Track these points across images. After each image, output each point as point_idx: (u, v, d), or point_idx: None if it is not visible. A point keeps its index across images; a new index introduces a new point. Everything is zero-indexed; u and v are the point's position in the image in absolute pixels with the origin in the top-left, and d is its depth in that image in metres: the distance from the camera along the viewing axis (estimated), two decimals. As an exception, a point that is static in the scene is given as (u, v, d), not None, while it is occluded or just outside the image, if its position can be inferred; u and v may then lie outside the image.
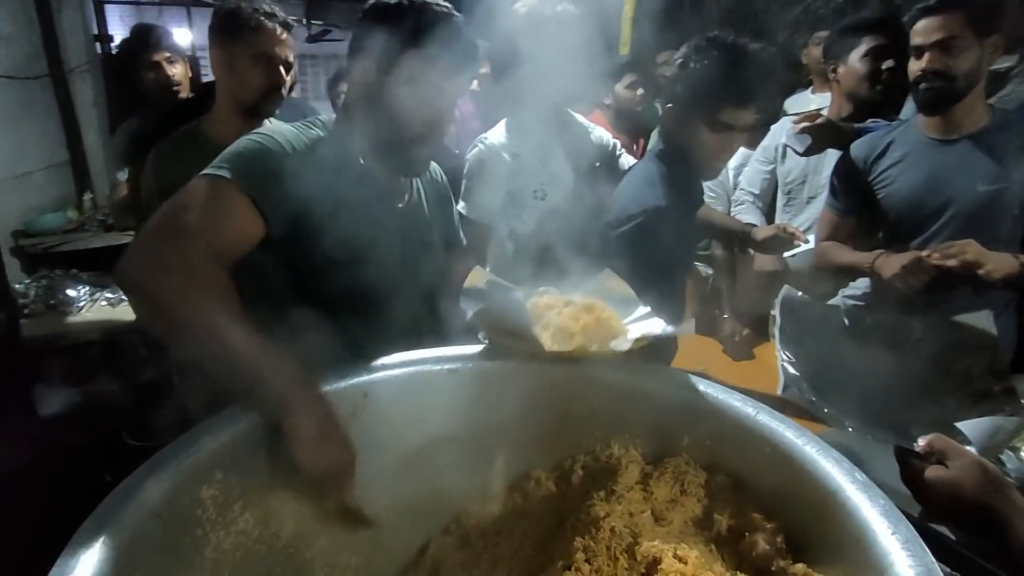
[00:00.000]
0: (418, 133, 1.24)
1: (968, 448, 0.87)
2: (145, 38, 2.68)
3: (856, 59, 2.13)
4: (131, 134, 2.52)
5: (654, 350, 1.15)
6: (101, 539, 0.67)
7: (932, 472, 0.83)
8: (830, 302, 2.10)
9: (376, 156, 1.28)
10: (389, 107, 1.21)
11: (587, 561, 0.86)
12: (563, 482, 1.14)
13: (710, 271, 2.80)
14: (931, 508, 0.84)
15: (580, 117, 2.07)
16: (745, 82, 1.51)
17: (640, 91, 2.91)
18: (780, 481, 0.92)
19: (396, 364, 1.12)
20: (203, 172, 1.10)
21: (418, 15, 1.18)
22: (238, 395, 0.92)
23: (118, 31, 5.76)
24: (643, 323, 1.15)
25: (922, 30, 1.71)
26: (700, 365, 2.49)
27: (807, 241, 1.99)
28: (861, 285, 2.09)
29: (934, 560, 0.68)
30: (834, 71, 2.18)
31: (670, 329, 1.13)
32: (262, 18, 1.79)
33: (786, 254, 2.12)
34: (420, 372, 1.13)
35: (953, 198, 1.76)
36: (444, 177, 1.55)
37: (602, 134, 2.06)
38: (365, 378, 1.08)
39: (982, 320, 1.16)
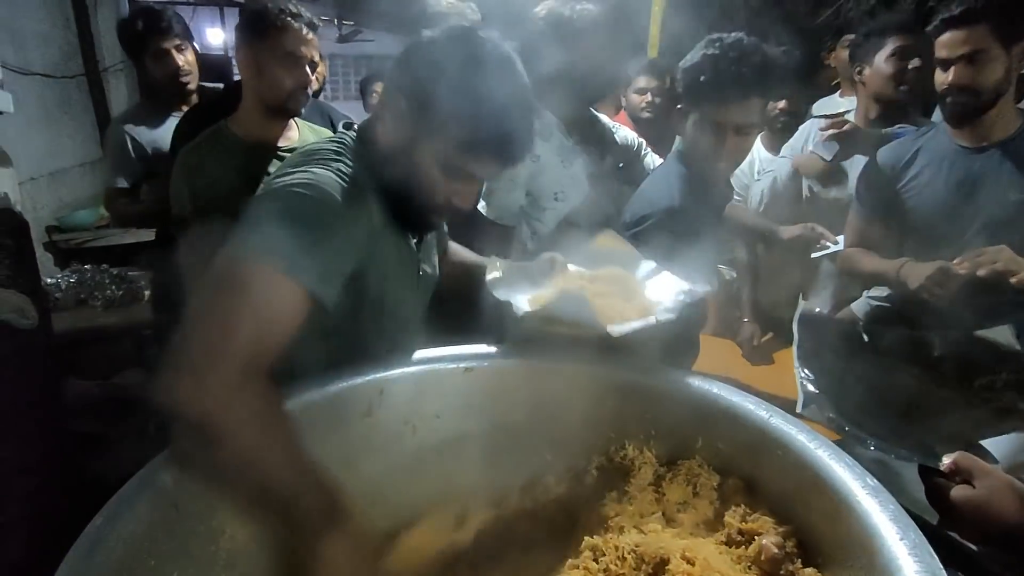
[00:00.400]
0: (436, 206, 1.15)
1: (995, 466, 0.85)
2: (150, 23, 2.35)
3: (881, 60, 2.10)
4: (132, 135, 2.43)
5: (690, 315, 1.19)
6: (117, 525, 0.69)
7: (959, 492, 0.81)
8: (853, 305, 2.07)
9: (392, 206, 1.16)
10: (415, 176, 1.10)
11: (595, 560, 0.86)
12: (577, 483, 1.15)
13: (733, 274, 2.78)
14: (959, 528, 0.82)
15: (604, 117, 2.07)
16: (748, 80, 1.50)
17: (649, 96, 2.88)
18: (792, 485, 0.91)
19: (412, 362, 1.13)
20: (247, 251, 0.91)
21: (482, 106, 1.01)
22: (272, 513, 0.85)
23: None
24: (657, 280, 1.21)
25: (947, 43, 1.67)
26: (720, 368, 2.48)
27: (836, 242, 1.97)
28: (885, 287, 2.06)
29: (941, 567, 0.67)
30: (860, 73, 2.15)
31: (698, 289, 1.17)
32: (288, 18, 1.79)
33: (813, 255, 2.10)
34: (436, 370, 1.14)
35: (983, 206, 1.73)
36: None
37: (627, 134, 2.07)
38: (381, 375, 1.10)
39: (1004, 335, 1.15)
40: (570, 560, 0.89)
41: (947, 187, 1.76)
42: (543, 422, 1.16)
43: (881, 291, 2.04)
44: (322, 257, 0.94)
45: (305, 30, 1.83)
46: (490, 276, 1.27)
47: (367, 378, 1.08)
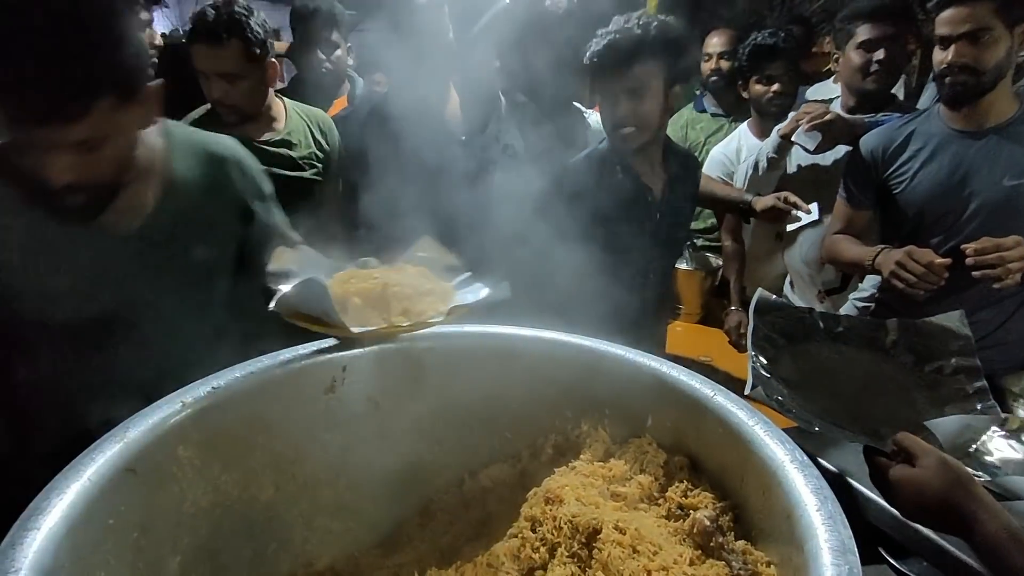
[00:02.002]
0: (36, 181, 1.01)
1: (934, 447, 0.88)
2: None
3: (851, 49, 2.08)
4: None
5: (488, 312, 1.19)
6: (72, 488, 0.74)
7: (897, 471, 0.84)
8: (843, 309, 2.08)
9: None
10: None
11: (532, 529, 0.90)
12: (533, 460, 1.18)
13: (719, 262, 2.79)
14: (899, 507, 0.85)
15: (579, 106, 2.10)
16: (601, 49, 1.56)
17: (714, 62, 2.86)
18: (731, 460, 0.94)
19: (375, 340, 1.17)
20: None
21: None
22: None
23: (160, 24, 5.94)
24: (466, 289, 1.20)
25: (948, 20, 1.64)
26: (706, 355, 2.51)
27: (809, 212, 1.97)
28: (869, 287, 2.06)
29: (851, 536, 0.70)
30: (837, 61, 2.15)
31: (487, 293, 1.16)
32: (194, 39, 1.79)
33: (789, 227, 2.11)
34: (398, 348, 1.17)
35: (977, 192, 1.71)
36: (242, 167, 1.37)
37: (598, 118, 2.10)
38: (344, 352, 1.13)
39: (955, 320, 1.17)
40: (510, 530, 0.93)
41: (940, 172, 1.75)
42: (503, 400, 1.20)
43: (864, 293, 2.05)
44: None
45: (206, 49, 1.79)
46: (274, 267, 1.16)
47: (330, 355, 1.12)
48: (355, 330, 1.05)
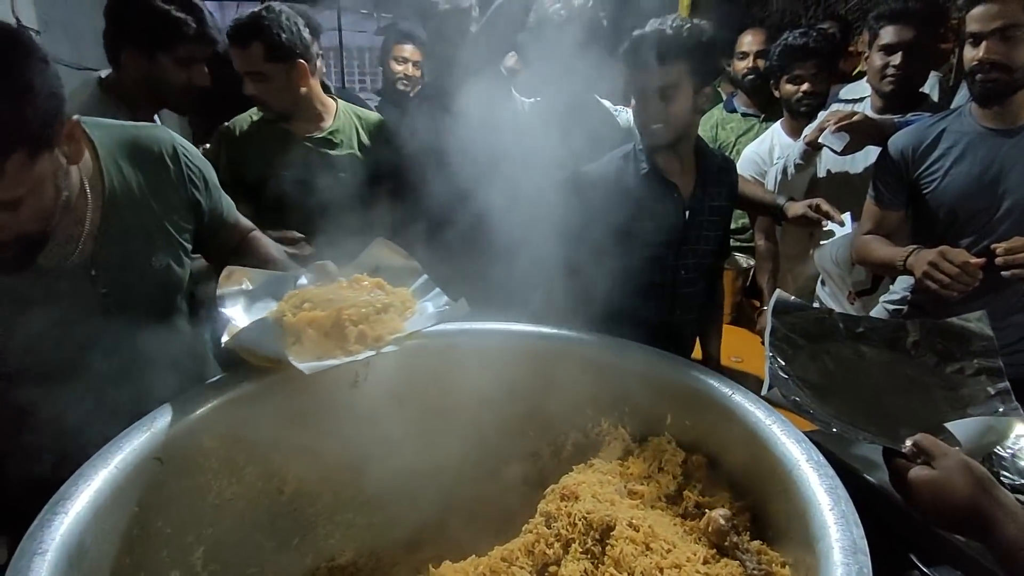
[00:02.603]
0: None
1: (955, 448, 0.86)
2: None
3: (875, 51, 2.03)
4: None
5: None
6: (100, 474, 0.77)
7: (917, 472, 0.82)
8: (874, 312, 2.04)
9: None
10: None
11: (547, 525, 0.90)
12: (554, 457, 1.19)
13: (750, 262, 2.75)
14: (917, 509, 0.83)
15: (607, 103, 2.10)
16: (632, 47, 1.59)
17: (751, 61, 2.83)
18: (749, 460, 0.94)
19: (399, 338, 1.18)
20: None
21: None
22: None
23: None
24: (425, 296, 1.18)
25: (979, 17, 1.60)
26: (736, 356, 2.47)
27: (843, 223, 1.93)
28: (900, 290, 2.01)
29: (863, 536, 0.69)
30: (867, 60, 2.10)
31: (446, 309, 1.13)
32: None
33: (823, 243, 2.07)
34: (423, 346, 1.19)
35: (1010, 191, 1.66)
36: (187, 157, 1.27)
37: (630, 116, 2.09)
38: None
39: (977, 321, 1.13)
40: (525, 525, 0.94)
41: (972, 170, 1.71)
42: (525, 398, 1.20)
43: (895, 295, 2.00)
44: None
45: (236, 50, 1.88)
46: (224, 289, 1.10)
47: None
48: (304, 368, 0.97)
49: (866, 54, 2.13)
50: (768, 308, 1.13)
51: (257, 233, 1.40)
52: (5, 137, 0.86)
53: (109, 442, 0.82)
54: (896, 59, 2.00)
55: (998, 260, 1.49)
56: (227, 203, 1.35)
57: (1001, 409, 1.01)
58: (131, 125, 1.25)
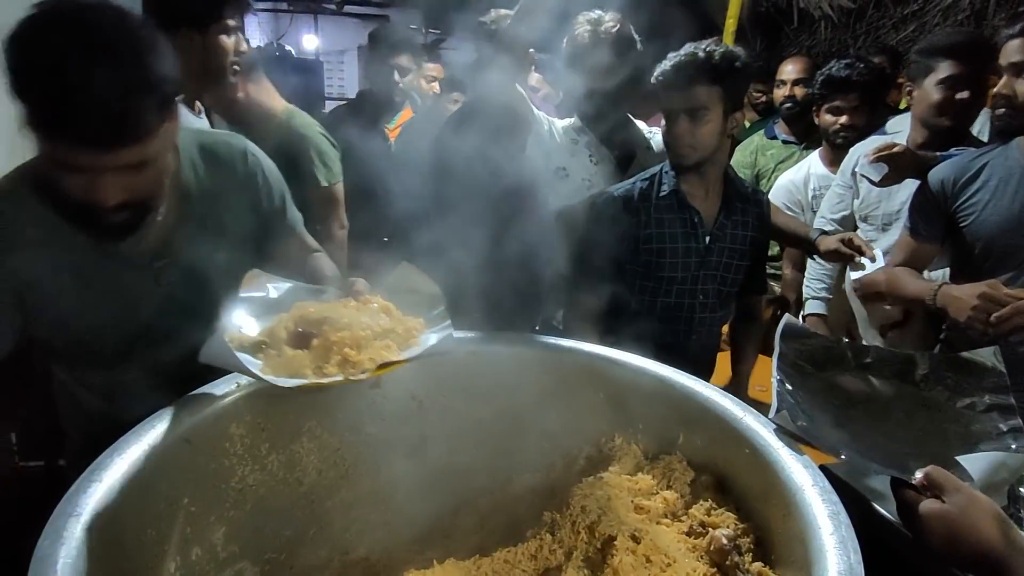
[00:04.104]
0: (74, 206, 1.00)
1: (966, 483, 0.83)
2: None
3: (931, 85, 2.01)
4: None
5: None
6: (132, 450, 0.82)
7: (927, 505, 0.80)
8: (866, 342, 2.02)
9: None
10: (45, 177, 1.01)
11: (550, 532, 0.93)
12: (567, 470, 1.21)
13: (777, 290, 2.73)
14: (926, 543, 0.81)
15: (641, 124, 2.14)
16: (666, 69, 1.65)
17: (788, 88, 2.85)
18: (757, 482, 0.94)
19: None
20: None
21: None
22: None
23: (256, 36, 6.32)
24: (436, 326, 1.11)
25: (1015, 50, 1.61)
26: (760, 385, 2.45)
27: (874, 259, 1.91)
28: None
29: (860, 562, 0.70)
30: (910, 94, 2.08)
31: (433, 343, 1.06)
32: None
33: (852, 275, 2.05)
34: (445, 352, 1.22)
35: None
36: (266, 171, 1.33)
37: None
38: (390, 351, 1.19)
39: (988, 356, 1.12)
40: (531, 531, 0.96)
41: (1012, 205, 1.69)
42: (543, 410, 1.23)
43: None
44: None
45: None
46: (244, 293, 1.09)
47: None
48: (276, 381, 0.93)
49: (909, 87, 2.11)
50: (777, 333, 1.14)
51: (321, 254, 1.42)
52: (156, 104, 0.93)
53: (143, 421, 0.87)
54: (964, 93, 1.98)
55: None
56: (295, 217, 1.39)
57: (1014, 446, 0.99)
58: (208, 129, 1.32)
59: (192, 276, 1.20)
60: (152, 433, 0.85)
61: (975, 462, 0.94)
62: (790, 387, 1.02)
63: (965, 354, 1.13)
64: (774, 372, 1.04)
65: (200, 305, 1.14)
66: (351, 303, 1.09)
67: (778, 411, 0.97)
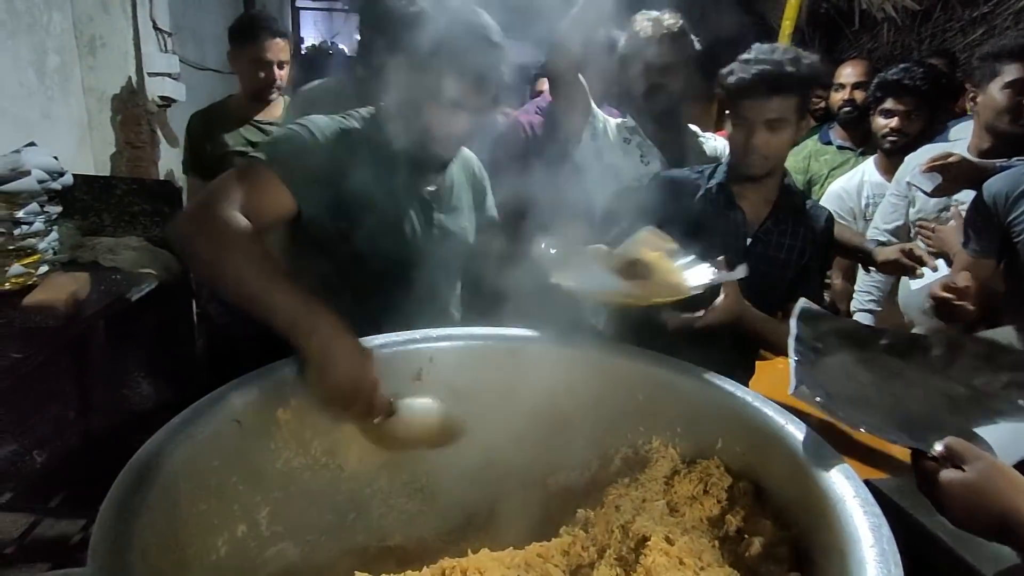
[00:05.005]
0: (429, 142, 1.34)
1: (987, 452, 0.82)
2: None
3: (996, 89, 1.92)
4: None
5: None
6: (189, 427, 0.86)
7: (948, 475, 0.79)
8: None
9: (402, 149, 1.38)
10: (405, 114, 1.33)
11: (584, 529, 0.93)
12: (602, 470, 1.21)
13: (827, 299, 2.67)
14: (948, 513, 0.80)
15: (695, 128, 2.12)
16: (748, 77, 1.58)
17: (847, 92, 2.79)
18: (797, 491, 0.93)
19: (461, 336, 1.24)
20: (247, 155, 1.31)
21: (439, 30, 1.25)
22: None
23: (310, 34, 6.48)
24: (694, 269, 1.32)
25: None
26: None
27: (935, 268, 1.85)
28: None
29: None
30: (973, 100, 2.00)
31: (725, 275, 1.28)
32: (262, 29, 2.48)
33: (913, 285, 1.98)
34: (483, 347, 1.25)
35: None
36: (480, 168, 1.67)
37: (718, 144, 2.10)
38: (433, 345, 1.22)
39: (1006, 335, 1.08)
40: (564, 528, 0.97)
41: None
42: (581, 409, 1.23)
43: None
44: (299, 165, 1.25)
45: (274, 39, 2.49)
46: (547, 257, 1.33)
47: (419, 345, 1.20)
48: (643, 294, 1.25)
49: (972, 93, 2.04)
50: (793, 315, 1.13)
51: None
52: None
53: (201, 399, 0.92)
54: None
55: None
56: (492, 216, 1.67)
57: None
58: None
59: (444, 230, 1.50)
60: (209, 412, 0.89)
61: (995, 433, 0.92)
62: (808, 365, 1.01)
63: (981, 334, 1.10)
64: (791, 352, 1.03)
65: (446, 254, 1.48)
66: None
67: (797, 386, 0.96)
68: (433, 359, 1.21)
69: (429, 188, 1.46)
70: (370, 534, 1.19)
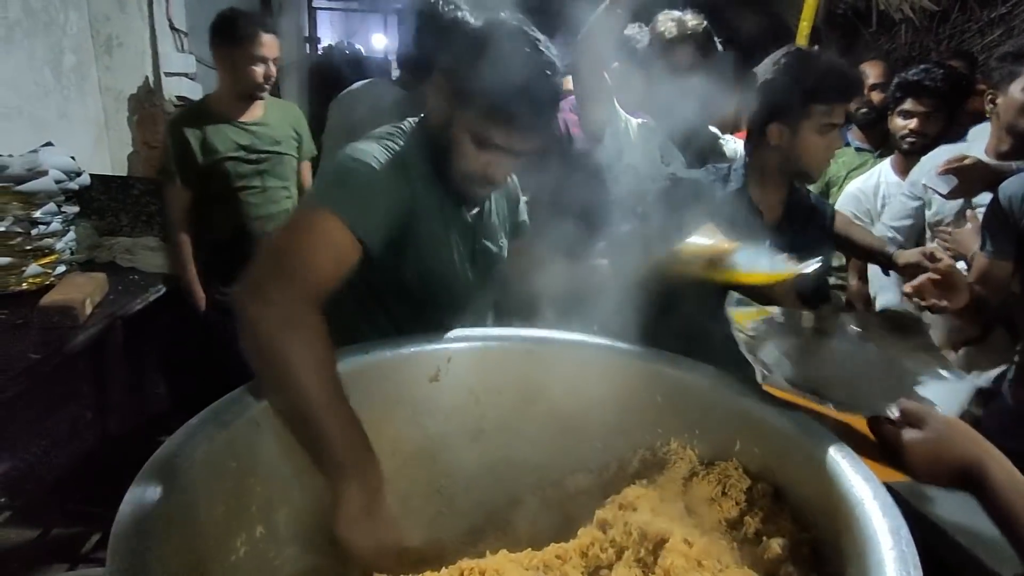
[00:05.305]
0: (473, 177, 1.26)
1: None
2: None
3: (1017, 90, 1.89)
4: None
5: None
6: (207, 427, 0.87)
7: (909, 435, 0.86)
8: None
9: (444, 174, 1.30)
10: (453, 147, 1.24)
11: (602, 530, 0.93)
12: (620, 471, 1.21)
13: (842, 300, 2.65)
14: (912, 470, 0.86)
15: (714, 130, 2.11)
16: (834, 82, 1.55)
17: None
18: (816, 493, 0.93)
19: (479, 337, 1.25)
20: (311, 202, 1.17)
21: (509, 66, 1.13)
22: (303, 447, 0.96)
23: (326, 35, 6.51)
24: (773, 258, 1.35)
25: None
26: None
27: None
28: None
29: (920, 577, 0.68)
30: (992, 101, 1.98)
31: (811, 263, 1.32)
32: (252, 28, 2.43)
33: None
34: (501, 347, 1.25)
35: None
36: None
37: (737, 146, 2.09)
38: (451, 345, 1.22)
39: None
40: (582, 529, 0.97)
41: None
42: (598, 410, 1.23)
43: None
44: (366, 208, 1.14)
45: (268, 34, 2.47)
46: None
47: (437, 345, 1.21)
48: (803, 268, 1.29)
49: (990, 94, 2.01)
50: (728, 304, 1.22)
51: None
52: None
53: (219, 400, 0.93)
54: None
55: None
56: (524, 221, 1.64)
57: (956, 379, 1.07)
58: None
59: (485, 250, 1.45)
60: (227, 413, 0.90)
61: (935, 392, 1.01)
62: (761, 356, 1.08)
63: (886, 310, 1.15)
64: (742, 348, 1.10)
65: (486, 274, 1.45)
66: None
67: (765, 378, 1.03)
68: (451, 359, 1.21)
69: (472, 212, 1.42)
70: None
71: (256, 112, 2.60)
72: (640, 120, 2.05)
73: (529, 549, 1.00)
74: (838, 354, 1.16)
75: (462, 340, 1.23)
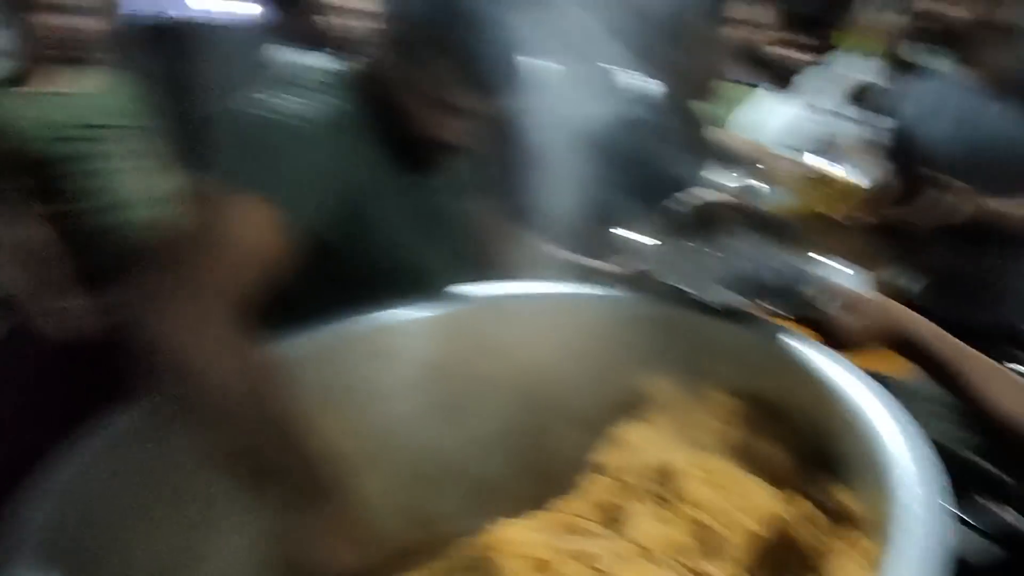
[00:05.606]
0: (426, 138, 1.13)
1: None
2: None
3: None
4: None
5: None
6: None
7: (849, 320, 0.93)
8: None
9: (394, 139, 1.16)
10: (406, 108, 1.11)
11: (602, 473, 0.89)
12: (607, 413, 1.13)
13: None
14: (844, 336, 0.93)
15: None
16: None
17: None
18: (812, 404, 0.90)
19: (433, 303, 1.18)
20: (217, 180, 0.96)
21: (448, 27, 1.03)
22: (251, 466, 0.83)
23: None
24: None
25: None
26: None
27: None
28: None
29: (933, 460, 0.67)
30: None
31: None
32: None
33: None
34: (465, 310, 1.19)
35: None
36: None
37: None
38: (402, 314, 1.15)
39: None
40: (578, 477, 0.92)
41: None
42: (575, 361, 1.17)
43: None
44: (290, 176, 0.97)
45: None
46: None
47: (385, 318, 1.13)
48: None
49: None
50: None
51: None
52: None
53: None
54: None
55: None
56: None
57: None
58: None
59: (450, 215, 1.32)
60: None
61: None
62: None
63: None
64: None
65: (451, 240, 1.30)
66: None
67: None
68: (404, 331, 1.13)
69: (432, 179, 1.25)
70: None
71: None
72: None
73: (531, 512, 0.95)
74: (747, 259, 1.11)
75: (414, 308, 1.15)
